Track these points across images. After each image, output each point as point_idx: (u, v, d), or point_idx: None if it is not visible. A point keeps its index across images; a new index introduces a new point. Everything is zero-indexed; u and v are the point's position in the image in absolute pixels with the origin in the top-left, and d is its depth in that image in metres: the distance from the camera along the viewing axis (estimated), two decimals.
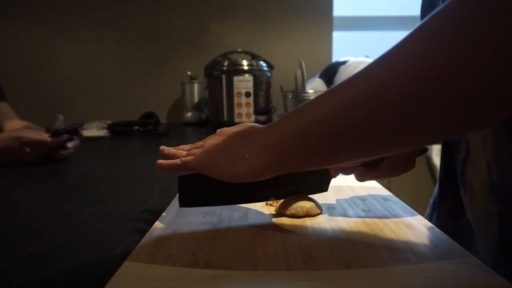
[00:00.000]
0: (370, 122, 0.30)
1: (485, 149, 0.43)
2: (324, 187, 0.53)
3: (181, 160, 0.46)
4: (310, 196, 0.51)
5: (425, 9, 0.50)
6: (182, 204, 0.46)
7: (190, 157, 0.46)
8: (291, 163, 0.38)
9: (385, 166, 0.49)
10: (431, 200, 0.61)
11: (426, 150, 0.51)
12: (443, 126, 0.28)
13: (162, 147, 0.52)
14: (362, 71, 0.32)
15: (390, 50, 0.30)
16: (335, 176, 0.51)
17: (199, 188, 0.46)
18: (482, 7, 0.24)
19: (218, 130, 0.48)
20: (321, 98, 0.34)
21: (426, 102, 0.27)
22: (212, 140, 0.46)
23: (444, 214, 0.55)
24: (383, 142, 0.31)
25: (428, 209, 0.61)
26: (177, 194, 0.46)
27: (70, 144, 0.98)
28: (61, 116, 1.03)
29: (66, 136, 0.96)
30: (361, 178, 0.51)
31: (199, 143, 0.49)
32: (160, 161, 0.48)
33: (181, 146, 0.53)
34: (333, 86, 0.34)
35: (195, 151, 0.47)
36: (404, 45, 0.29)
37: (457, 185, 0.51)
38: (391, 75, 0.29)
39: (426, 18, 0.28)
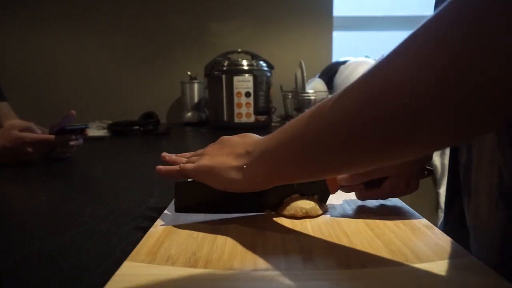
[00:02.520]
0: (365, 132, 0.29)
1: (494, 153, 0.42)
2: (323, 207, 0.51)
3: (180, 167, 0.47)
4: (313, 195, 0.51)
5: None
6: (178, 209, 0.48)
7: (188, 165, 0.46)
8: (286, 173, 0.38)
9: (386, 187, 0.49)
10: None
11: (431, 172, 0.51)
12: (443, 134, 0.27)
13: (163, 153, 0.53)
14: (360, 78, 0.31)
15: (387, 56, 0.28)
16: (333, 193, 0.51)
17: (195, 195, 0.47)
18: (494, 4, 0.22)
19: (220, 138, 0.48)
20: (320, 107, 0.34)
21: (428, 110, 0.26)
22: (211, 149, 0.47)
23: (453, 220, 0.55)
24: (379, 151, 0.30)
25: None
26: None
27: (73, 143, 0.98)
28: (73, 113, 0.97)
29: (71, 135, 0.96)
30: (361, 196, 0.51)
31: (200, 151, 0.50)
32: (159, 167, 0.49)
33: (183, 154, 0.54)
34: (332, 95, 0.33)
35: (195, 158, 0.48)
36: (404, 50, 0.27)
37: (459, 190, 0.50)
38: (388, 83, 0.27)
39: (425, 21, 0.26)
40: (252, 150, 0.41)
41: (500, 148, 0.40)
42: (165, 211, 0.50)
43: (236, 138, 0.46)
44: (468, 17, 0.23)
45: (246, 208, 0.49)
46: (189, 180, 0.47)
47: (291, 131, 0.37)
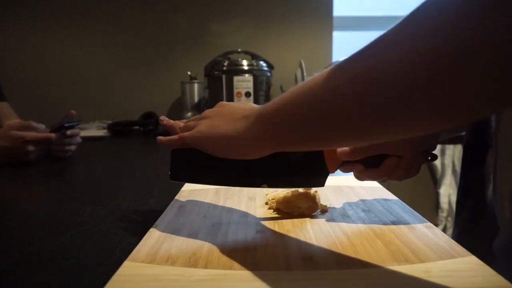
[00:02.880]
0: (367, 99, 0.28)
1: None
2: (320, 182, 0.49)
3: (178, 136, 0.46)
4: (313, 193, 0.50)
5: None
6: (173, 177, 0.46)
7: (186, 133, 0.46)
8: (284, 137, 0.37)
9: (386, 167, 0.46)
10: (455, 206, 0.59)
11: (435, 157, 0.49)
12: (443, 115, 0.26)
13: (162, 117, 0.53)
14: (363, 49, 0.31)
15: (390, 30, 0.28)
16: (332, 172, 0.48)
17: (191, 163, 0.46)
18: None
19: (218, 102, 0.48)
20: (318, 77, 0.33)
21: (428, 85, 0.25)
22: (209, 113, 0.46)
23: (464, 220, 0.55)
24: (375, 125, 0.29)
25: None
26: (173, 168, 0.46)
27: (72, 142, 0.98)
28: (73, 112, 0.99)
29: (65, 130, 0.96)
30: (359, 177, 0.49)
31: (198, 116, 0.49)
32: (159, 137, 0.49)
33: (182, 120, 0.53)
34: (333, 65, 0.32)
35: (192, 123, 0.47)
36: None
37: (477, 191, 0.50)
38: (392, 54, 0.27)
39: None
40: (249, 114, 0.41)
41: None
42: (165, 211, 0.50)
43: (234, 104, 0.45)
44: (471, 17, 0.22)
45: (244, 181, 0.48)
46: (187, 148, 0.46)
47: (289, 96, 0.36)
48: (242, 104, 0.44)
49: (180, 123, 0.51)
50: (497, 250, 0.45)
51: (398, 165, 0.46)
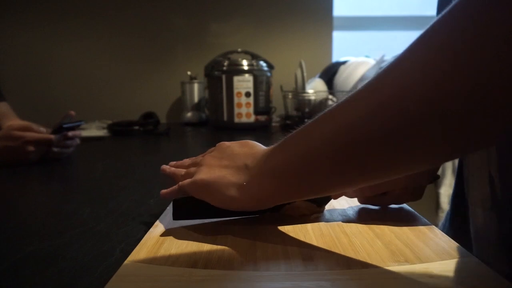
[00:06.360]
0: (376, 145, 0.27)
1: (488, 163, 0.41)
2: (322, 208, 0.50)
3: (178, 186, 0.45)
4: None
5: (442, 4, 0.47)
6: (175, 219, 0.46)
7: (186, 181, 0.44)
8: (295, 190, 0.35)
9: (392, 196, 0.48)
10: (446, 213, 0.60)
11: (437, 177, 0.50)
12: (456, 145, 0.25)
13: (163, 166, 0.52)
14: (367, 86, 0.29)
15: (395, 62, 0.26)
16: (335, 198, 0.50)
17: (192, 209, 0.46)
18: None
19: (218, 144, 0.46)
20: (325, 117, 0.31)
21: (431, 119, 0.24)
22: (209, 158, 0.44)
23: (456, 229, 0.55)
24: (387, 166, 0.28)
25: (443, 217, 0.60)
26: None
27: (70, 142, 0.98)
28: (72, 113, 1.01)
29: (67, 132, 0.96)
30: (364, 203, 0.50)
31: (199, 158, 0.48)
32: (163, 191, 0.48)
33: (183, 161, 0.52)
34: (338, 102, 0.31)
35: (193, 170, 0.46)
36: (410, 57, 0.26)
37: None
38: (395, 94, 0.26)
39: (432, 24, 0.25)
40: (252, 165, 0.39)
41: (499, 158, 0.39)
42: (165, 211, 0.50)
43: (236, 148, 0.43)
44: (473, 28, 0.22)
45: (246, 214, 0.47)
46: (187, 196, 0.45)
47: (297, 143, 0.34)
48: (243, 148, 0.42)
49: (181, 171, 0.49)
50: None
51: (403, 193, 0.48)
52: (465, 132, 0.24)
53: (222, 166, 0.42)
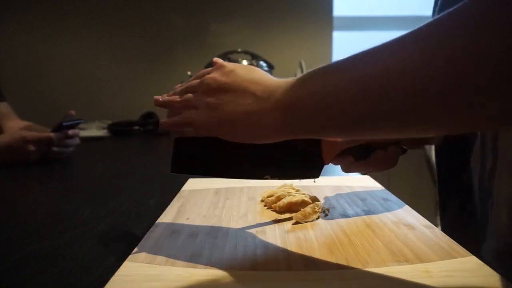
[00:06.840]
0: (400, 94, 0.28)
1: None
2: (316, 173, 0.48)
3: (182, 118, 0.42)
4: (313, 197, 0.50)
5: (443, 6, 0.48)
6: (174, 169, 0.44)
7: (193, 112, 0.40)
8: (308, 126, 0.35)
9: (373, 160, 0.47)
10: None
11: (405, 151, 0.50)
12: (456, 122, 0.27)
13: (155, 97, 0.46)
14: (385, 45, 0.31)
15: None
16: (327, 163, 0.48)
17: (194, 155, 0.44)
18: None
19: (218, 66, 0.41)
20: (351, 61, 0.32)
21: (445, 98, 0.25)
22: (213, 83, 0.39)
23: (450, 217, 0.55)
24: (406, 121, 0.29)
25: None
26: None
27: (72, 142, 0.98)
28: (72, 113, 1.02)
29: (67, 130, 0.96)
30: (348, 169, 0.48)
31: (195, 83, 0.42)
32: (162, 120, 0.44)
33: (175, 87, 0.47)
34: (364, 50, 0.31)
35: (194, 100, 0.41)
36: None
37: (459, 190, 0.50)
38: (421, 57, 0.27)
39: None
40: (264, 95, 0.37)
41: None
42: (165, 212, 0.50)
43: (243, 73, 0.39)
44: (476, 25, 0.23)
45: (246, 172, 0.46)
46: (189, 136, 0.42)
47: (318, 82, 0.34)
48: (252, 74, 0.39)
49: (176, 97, 0.44)
50: (489, 254, 0.45)
51: (383, 157, 0.47)
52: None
53: (233, 95, 0.38)
